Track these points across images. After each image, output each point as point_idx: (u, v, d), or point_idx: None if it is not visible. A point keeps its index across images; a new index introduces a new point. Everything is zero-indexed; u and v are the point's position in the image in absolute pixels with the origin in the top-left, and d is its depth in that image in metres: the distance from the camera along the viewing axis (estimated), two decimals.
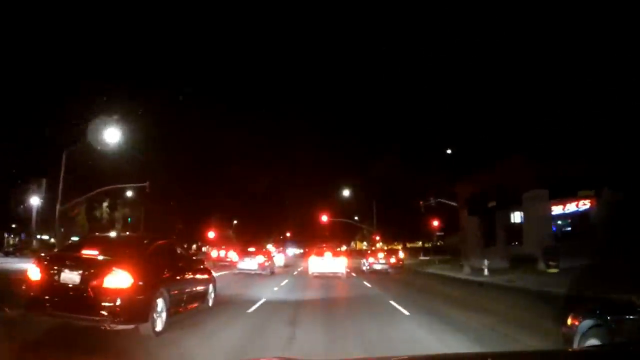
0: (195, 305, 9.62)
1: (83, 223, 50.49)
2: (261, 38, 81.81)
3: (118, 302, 6.56)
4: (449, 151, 37.28)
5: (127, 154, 35.65)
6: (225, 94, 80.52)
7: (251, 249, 26.81)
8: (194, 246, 68.47)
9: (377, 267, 29.96)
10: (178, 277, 8.72)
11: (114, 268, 6.77)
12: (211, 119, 69.47)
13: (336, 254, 25.33)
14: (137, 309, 6.83)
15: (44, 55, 47.38)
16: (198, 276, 9.93)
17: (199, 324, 8.73)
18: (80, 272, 6.71)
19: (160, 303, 7.53)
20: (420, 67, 61.48)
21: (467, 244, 34.83)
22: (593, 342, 4.69)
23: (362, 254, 44.93)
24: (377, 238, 54.55)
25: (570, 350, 3.68)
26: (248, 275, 23.00)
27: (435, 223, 40.94)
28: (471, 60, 49.02)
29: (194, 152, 56.33)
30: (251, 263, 24.25)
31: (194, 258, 11.31)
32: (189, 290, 9.12)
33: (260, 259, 24.62)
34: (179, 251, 9.71)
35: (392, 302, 12.79)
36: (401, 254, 40.60)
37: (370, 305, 12.93)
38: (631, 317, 4.59)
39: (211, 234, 55.09)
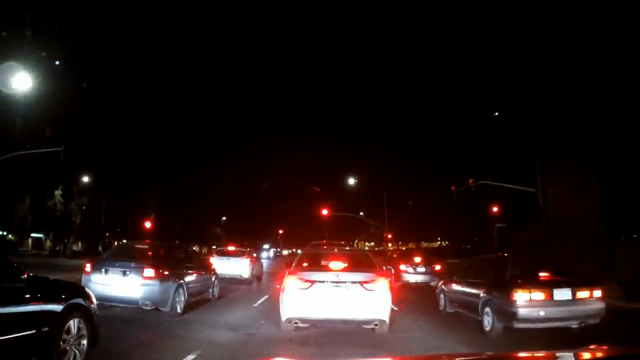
0: None
1: (24, 214, 40.51)
2: (254, 25, 70.84)
3: None
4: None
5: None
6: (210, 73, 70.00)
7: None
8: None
9: (412, 278, 20.10)
10: None
11: None
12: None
13: (357, 264, 9.23)
14: None
15: None
16: None
17: None
18: None
19: None
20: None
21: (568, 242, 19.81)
22: None
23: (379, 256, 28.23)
24: (390, 236, 45.09)
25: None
26: None
27: (495, 209, 30.84)
28: None
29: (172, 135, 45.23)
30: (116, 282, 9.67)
31: None
32: None
33: (150, 275, 9.65)
34: None
35: None
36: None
37: None
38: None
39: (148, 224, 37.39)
